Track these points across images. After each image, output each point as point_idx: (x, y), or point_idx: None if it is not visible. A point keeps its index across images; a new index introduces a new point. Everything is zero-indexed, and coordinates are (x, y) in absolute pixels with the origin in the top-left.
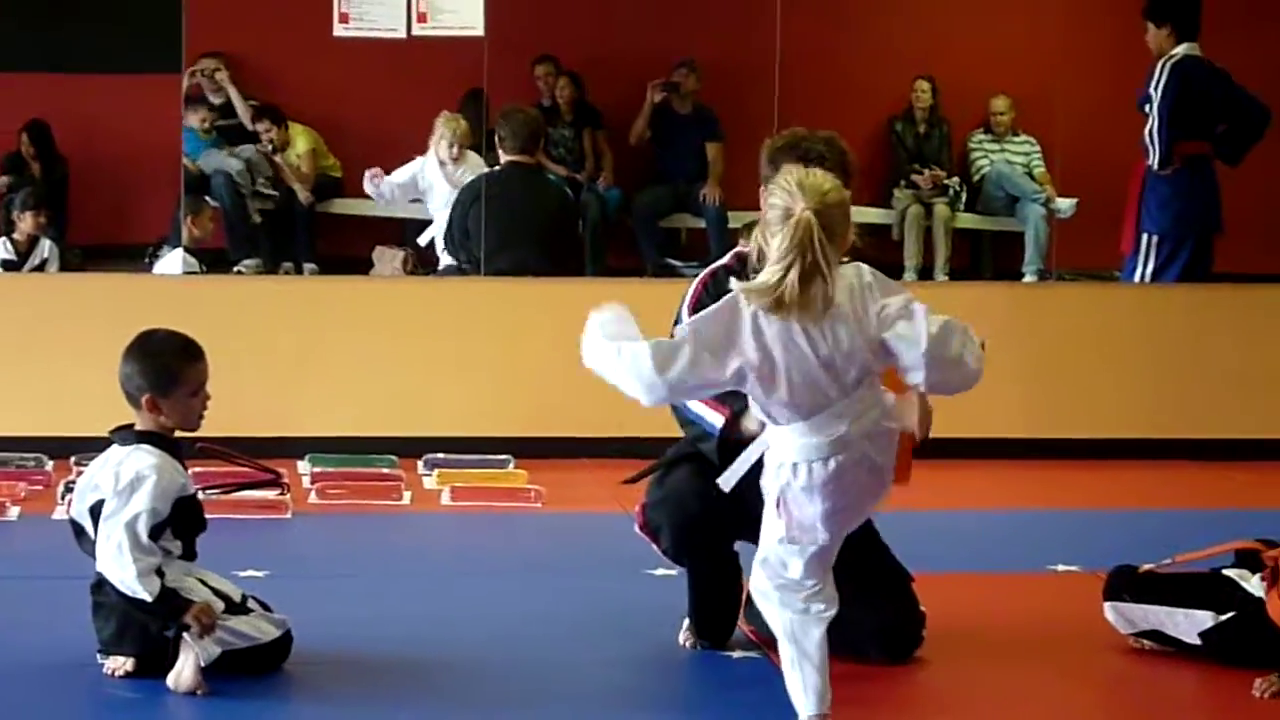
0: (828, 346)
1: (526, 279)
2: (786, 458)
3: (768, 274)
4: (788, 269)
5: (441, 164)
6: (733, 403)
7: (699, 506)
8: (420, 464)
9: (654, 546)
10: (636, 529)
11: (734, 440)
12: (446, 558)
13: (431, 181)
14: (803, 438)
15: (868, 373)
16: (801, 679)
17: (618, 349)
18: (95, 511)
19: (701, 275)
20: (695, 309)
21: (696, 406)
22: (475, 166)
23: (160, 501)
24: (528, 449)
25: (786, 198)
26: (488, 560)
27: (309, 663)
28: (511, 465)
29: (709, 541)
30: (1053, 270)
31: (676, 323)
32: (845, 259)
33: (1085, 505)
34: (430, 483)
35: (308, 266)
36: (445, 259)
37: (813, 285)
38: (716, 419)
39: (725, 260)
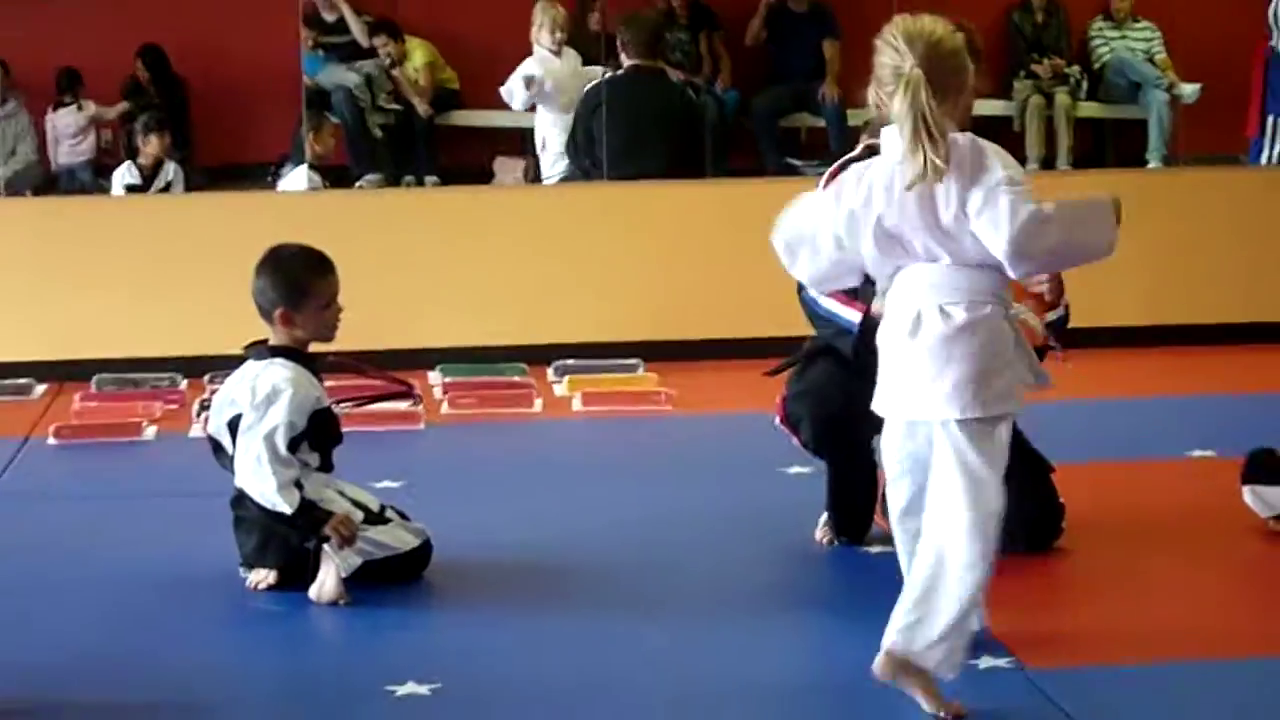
0: (939, 212)
1: (650, 183)
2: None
3: (895, 137)
4: (909, 131)
5: (547, 54)
6: (866, 296)
7: (839, 399)
8: (550, 371)
9: (793, 439)
10: (776, 422)
11: (873, 332)
12: (579, 463)
13: (541, 75)
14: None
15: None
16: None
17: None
18: (233, 426)
19: (832, 168)
20: None
21: (829, 304)
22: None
23: (297, 414)
24: (656, 352)
25: (894, 55)
26: (621, 464)
27: (448, 571)
28: (641, 369)
29: (848, 435)
30: (1177, 156)
31: None
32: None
33: (1219, 390)
34: (560, 389)
35: (429, 179)
36: (558, 164)
37: (925, 148)
38: (853, 315)
39: (855, 153)
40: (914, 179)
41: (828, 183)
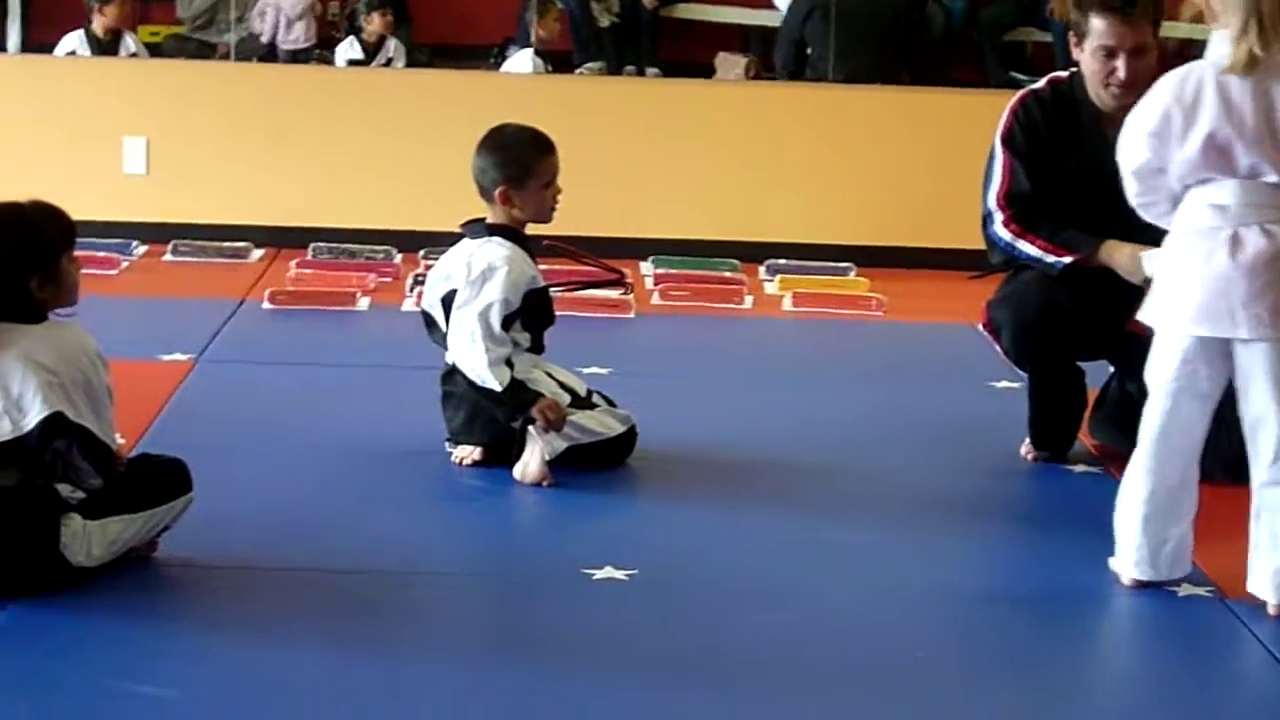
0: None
1: (870, 87)
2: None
3: (1231, 30)
4: (1245, 20)
5: None
6: (1077, 247)
7: (1043, 308)
8: (762, 269)
9: (995, 346)
10: (980, 327)
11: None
12: (788, 363)
13: None
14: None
15: None
16: None
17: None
18: (446, 302)
19: (1012, 102)
20: (1006, 139)
21: (1031, 250)
22: None
23: (512, 292)
24: (869, 257)
25: None
26: (830, 367)
27: (651, 459)
28: (854, 273)
29: (1051, 345)
30: None
31: (990, 153)
32: None
33: None
34: (772, 288)
35: (650, 71)
36: None
37: (1253, 35)
38: (1058, 260)
39: (1039, 86)
40: (1234, 65)
41: (1009, 120)
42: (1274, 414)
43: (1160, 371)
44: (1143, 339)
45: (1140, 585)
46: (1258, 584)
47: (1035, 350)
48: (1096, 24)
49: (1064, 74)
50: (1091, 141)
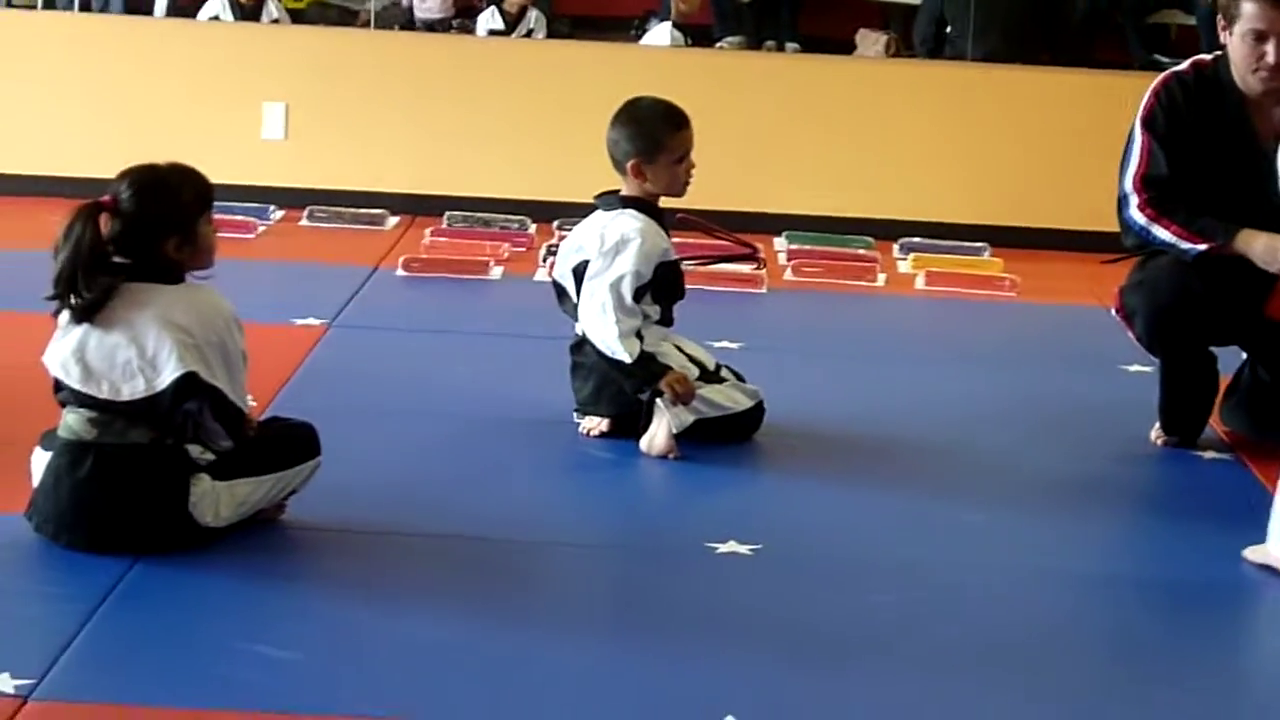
0: None
1: (1011, 66)
2: None
3: None
4: None
5: None
6: (1213, 234)
7: (1176, 294)
8: (896, 247)
9: (1128, 332)
10: (1113, 312)
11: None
12: (919, 342)
13: None
14: None
15: None
16: None
17: None
18: (579, 272)
19: (1155, 84)
20: (1147, 121)
21: (1166, 235)
22: None
23: (644, 264)
24: (1004, 238)
25: None
26: (960, 346)
27: (779, 434)
28: (988, 253)
29: (1184, 332)
30: None
31: (1130, 134)
32: None
33: None
34: (905, 266)
35: (790, 45)
36: None
37: None
38: (1192, 246)
39: (1183, 68)
40: None
41: (1150, 102)
42: None
43: None
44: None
45: None
46: None
47: (1169, 337)
48: (1248, 7)
49: (1208, 57)
50: (1235, 127)
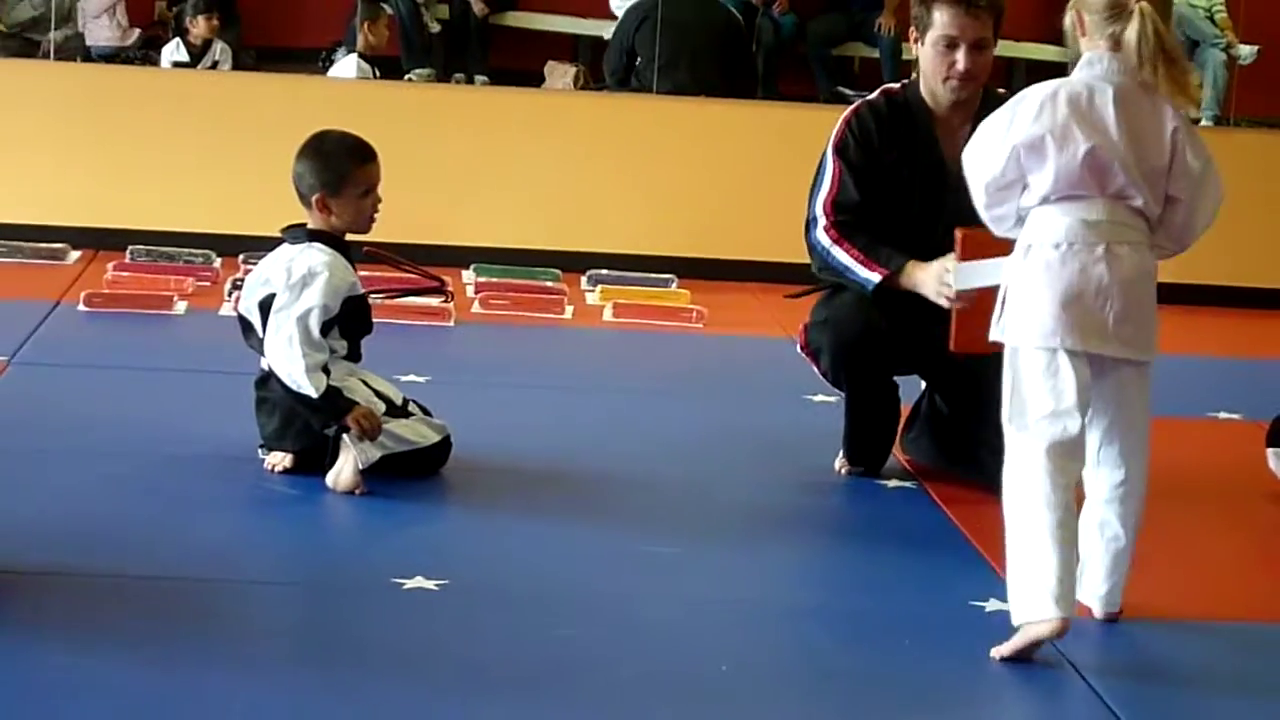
0: (1156, 151)
1: (699, 99)
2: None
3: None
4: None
5: None
6: (887, 262)
7: (861, 330)
8: (583, 279)
9: (814, 367)
10: (798, 348)
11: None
12: (606, 374)
13: None
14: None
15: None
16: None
17: None
18: (264, 306)
19: (846, 113)
20: (838, 148)
21: (843, 257)
22: None
23: (331, 298)
24: (690, 269)
25: None
26: (647, 378)
27: (466, 469)
28: (674, 285)
29: (869, 367)
30: (1230, 117)
31: (820, 161)
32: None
33: (1249, 354)
34: (593, 298)
35: (479, 78)
36: None
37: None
38: (870, 275)
39: (872, 97)
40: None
41: (841, 129)
42: (1131, 435)
43: (1053, 386)
44: (959, 357)
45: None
46: (1087, 596)
47: (854, 372)
48: (939, 15)
49: (897, 85)
50: (924, 149)
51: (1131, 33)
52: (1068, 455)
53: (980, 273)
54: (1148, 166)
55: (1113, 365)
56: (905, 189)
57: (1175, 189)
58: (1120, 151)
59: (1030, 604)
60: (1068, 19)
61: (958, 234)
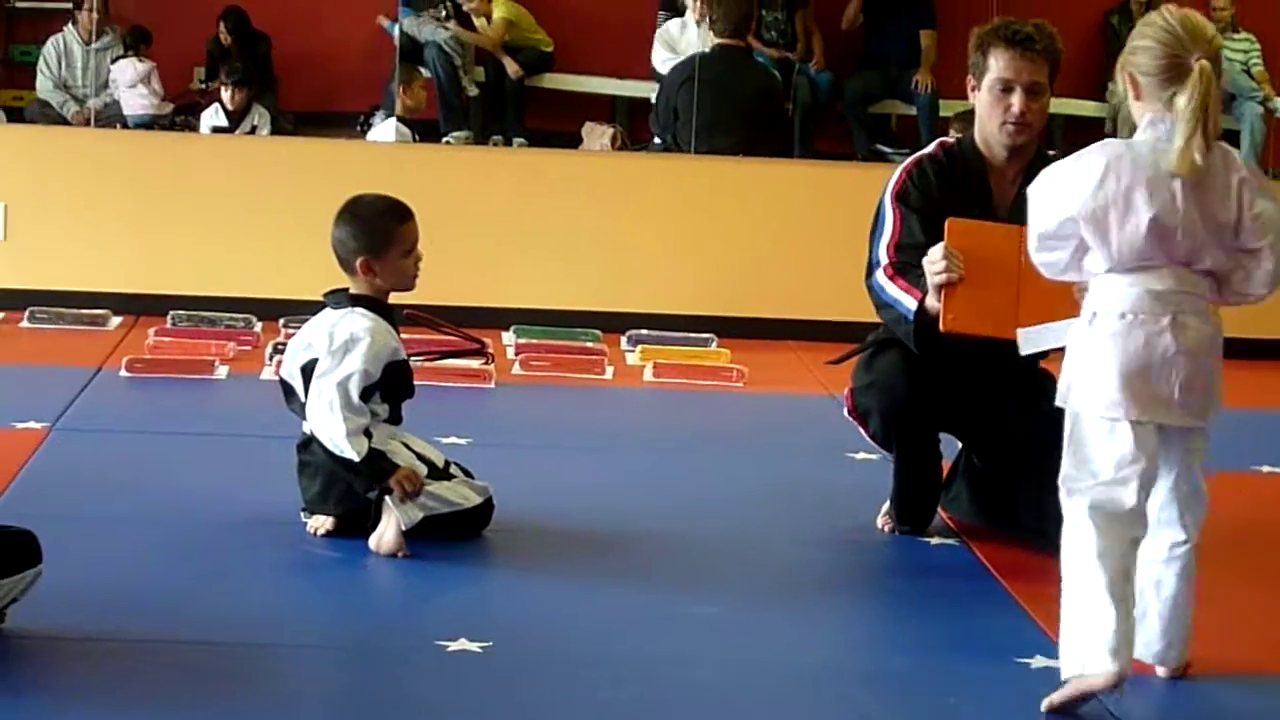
0: (1221, 216)
1: (737, 159)
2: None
3: (1178, 136)
4: (1194, 129)
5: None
6: (918, 283)
7: (908, 392)
8: (624, 339)
9: (861, 430)
10: (845, 413)
11: (927, 323)
12: (647, 433)
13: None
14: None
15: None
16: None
17: None
18: (306, 371)
19: (905, 164)
20: (899, 195)
21: (892, 290)
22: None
23: (373, 364)
24: (731, 328)
25: (1170, 39)
26: (688, 438)
27: (509, 531)
28: (714, 344)
29: (917, 427)
30: (1269, 169)
31: (878, 211)
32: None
33: None
34: (633, 358)
35: (517, 140)
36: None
37: (1199, 142)
38: (910, 302)
39: (930, 150)
40: (1183, 169)
41: (901, 178)
42: (1193, 497)
43: (1118, 455)
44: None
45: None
46: (1146, 654)
47: (903, 433)
48: (995, 60)
49: (952, 138)
50: (977, 198)
51: (1192, 95)
52: (1122, 523)
53: (1046, 336)
54: (1214, 224)
55: (1176, 432)
56: None
57: (1248, 240)
58: (1184, 217)
59: (1084, 658)
60: (1120, 82)
61: (948, 222)
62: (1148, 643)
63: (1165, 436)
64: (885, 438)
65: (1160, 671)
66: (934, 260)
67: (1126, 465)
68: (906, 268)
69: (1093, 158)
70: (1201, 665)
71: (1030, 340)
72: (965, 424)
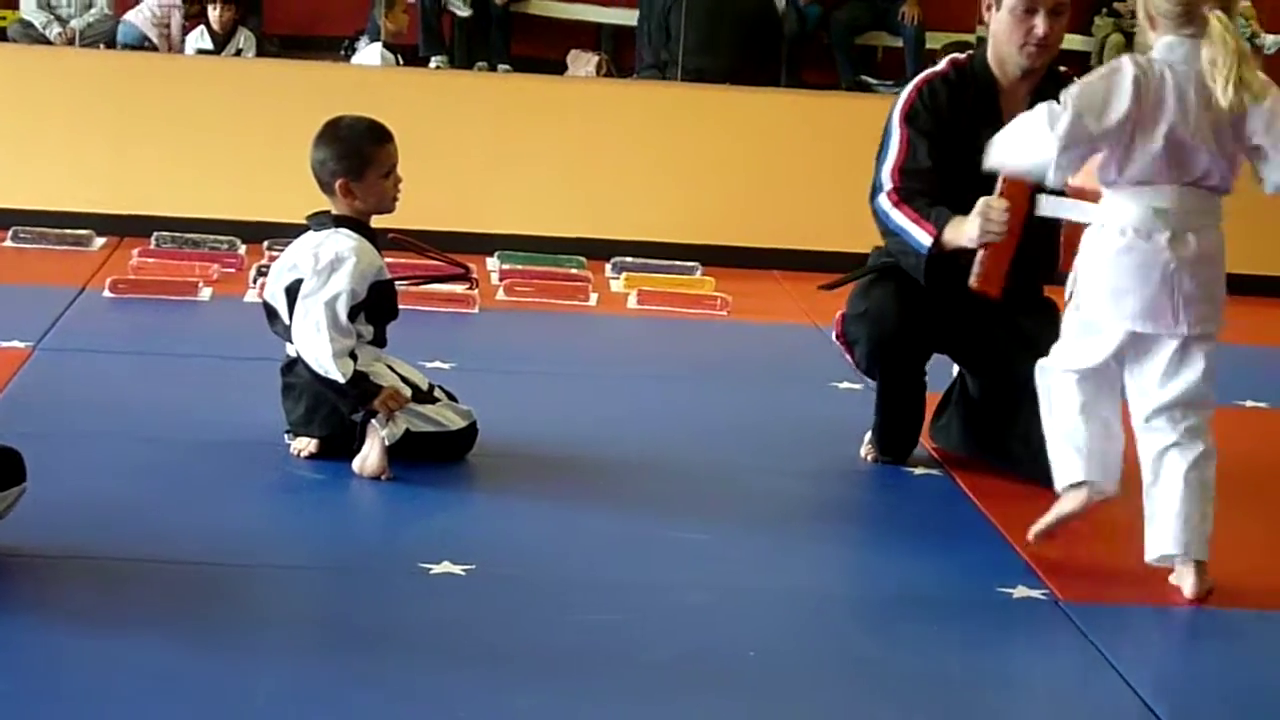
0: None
1: (723, 86)
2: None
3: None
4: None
5: None
6: (936, 220)
7: (898, 325)
8: (608, 266)
9: (847, 357)
10: (833, 337)
11: (939, 259)
12: (630, 360)
13: None
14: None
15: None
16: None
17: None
18: (291, 292)
19: (916, 80)
20: (907, 116)
21: (900, 219)
22: None
23: (359, 282)
24: (716, 257)
25: None
26: (672, 365)
27: (492, 454)
28: (699, 272)
29: (902, 360)
30: None
31: (885, 130)
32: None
33: (1274, 342)
34: (617, 285)
35: (501, 67)
36: None
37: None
38: (924, 236)
39: (940, 67)
40: (1232, 104)
41: (911, 96)
42: (1196, 397)
43: (1079, 359)
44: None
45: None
46: (1161, 544)
47: (889, 365)
48: None
49: (963, 56)
50: (986, 117)
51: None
52: (1096, 375)
53: (1066, 207)
54: (1220, 128)
55: (1187, 341)
56: (969, 158)
57: (1255, 135)
58: (1197, 129)
59: (1062, 469)
60: (1140, 11)
61: (1008, 182)
62: (1167, 539)
63: (1159, 343)
64: (869, 368)
65: (1186, 591)
66: (993, 220)
67: (1100, 370)
68: (912, 194)
69: (1125, 66)
70: (1182, 597)
71: (1049, 206)
72: (964, 350)
